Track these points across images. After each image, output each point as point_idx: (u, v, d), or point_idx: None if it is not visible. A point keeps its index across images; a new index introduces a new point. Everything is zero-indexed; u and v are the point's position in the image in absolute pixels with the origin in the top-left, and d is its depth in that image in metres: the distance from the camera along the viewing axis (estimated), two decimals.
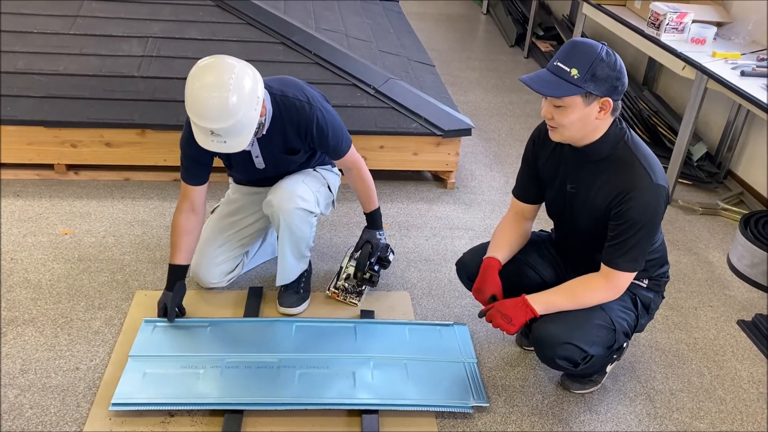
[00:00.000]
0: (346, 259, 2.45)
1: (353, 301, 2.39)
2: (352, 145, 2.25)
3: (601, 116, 1.69)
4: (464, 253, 2.14)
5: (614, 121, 1.75)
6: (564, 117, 1.69)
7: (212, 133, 1.87)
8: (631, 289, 1.90)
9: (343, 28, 3.86)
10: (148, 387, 1.95)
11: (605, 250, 1.80)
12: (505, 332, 1.82)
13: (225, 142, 1.88)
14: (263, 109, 1.99)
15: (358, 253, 2.38)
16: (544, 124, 1.89)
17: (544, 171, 1.94)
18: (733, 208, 3.24)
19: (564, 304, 1.84)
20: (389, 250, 2.42)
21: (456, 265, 2.14)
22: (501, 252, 1.98)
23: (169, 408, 1.91)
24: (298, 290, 2.34)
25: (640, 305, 1.95)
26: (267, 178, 2.29)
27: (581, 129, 1.72)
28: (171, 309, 2.17)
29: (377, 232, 2.38)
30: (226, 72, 1.84)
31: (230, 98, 1.81)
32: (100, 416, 1.89)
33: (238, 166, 2.25)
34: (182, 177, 2.16)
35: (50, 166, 3.03)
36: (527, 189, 2.02)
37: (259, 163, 2.20)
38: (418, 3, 6.49)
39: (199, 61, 1.90)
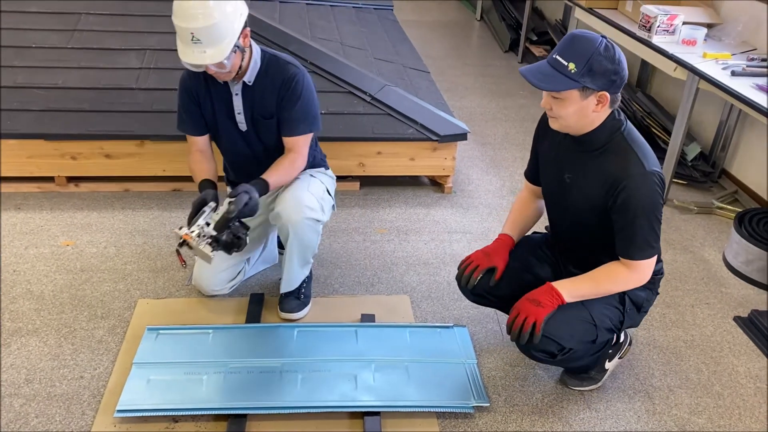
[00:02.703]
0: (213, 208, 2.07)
1: (207, 252, 2.01)
2: (308, 140, 2.23)
3: (599, 109, 1.75)
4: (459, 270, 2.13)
5: (612, 112, 1.80)
6: (562, 109, 1.75)
7: (192, 39, 1.92)
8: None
9: (338, 36, 3.90)
10: (153, 393, 1.97)
11: (617, 244, 1.83)
12: (534, 318, 1.79)
13: (205, 52, 1.94)
14: (247, 39, 2.07)
15: (231, 203, 2.00)
16: None
17: (541, 154, 2.01)
18: (728, 207, 3.27)
19: (588, 291, 1.87)
20: (244, 226, 2.09)
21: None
22: (515, 230, 2.09)
23: (173, 414, 1.93)
24: (299, 296, 2.37)
25: (629, 303, 1.96)
26: (259, 163, 2.26)
27: (579, 120, 1.77)
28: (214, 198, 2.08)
29: (256, 191, 2.07)
30: None
31: None
32: (105, 423, 1.91)
33: (224, 127, 2.24)
34: (184, 130, 2.28)
35: (51, 179, 3.06)
36: (533, 170, 2.10)
37: (241, 121, 2.21)
38: (413, 11, 6.54)
39: None
